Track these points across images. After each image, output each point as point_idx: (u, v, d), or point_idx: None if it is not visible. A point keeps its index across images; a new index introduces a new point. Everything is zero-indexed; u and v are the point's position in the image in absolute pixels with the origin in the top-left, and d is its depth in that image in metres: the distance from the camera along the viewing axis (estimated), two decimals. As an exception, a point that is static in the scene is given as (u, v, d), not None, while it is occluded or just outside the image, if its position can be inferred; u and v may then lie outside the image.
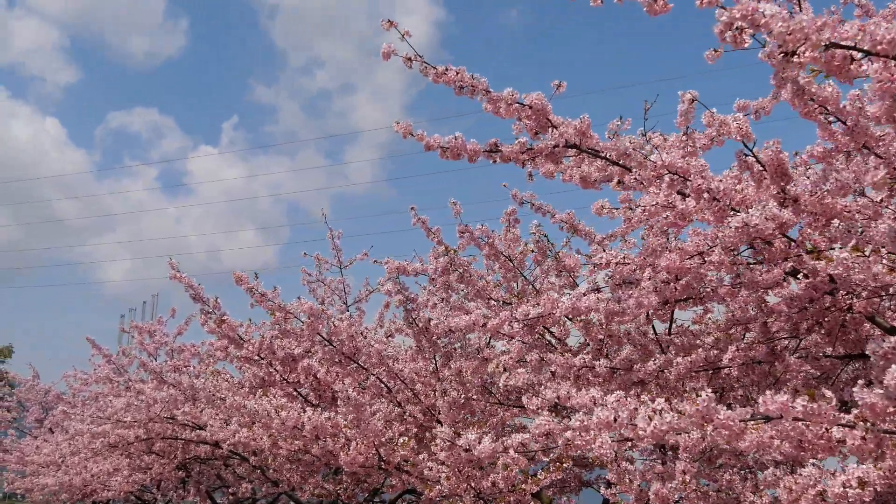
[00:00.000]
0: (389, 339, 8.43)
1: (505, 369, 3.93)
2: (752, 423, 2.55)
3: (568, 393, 3.75)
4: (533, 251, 5.79)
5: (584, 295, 4.13)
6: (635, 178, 3.36)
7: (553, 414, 4.83)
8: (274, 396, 5.94)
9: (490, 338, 7.97)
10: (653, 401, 2.79)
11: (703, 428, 2.27)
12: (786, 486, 2.68)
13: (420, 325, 6.00)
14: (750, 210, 3.10)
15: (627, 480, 4.94)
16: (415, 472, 5.77)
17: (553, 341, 6.17)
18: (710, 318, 5.65)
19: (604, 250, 5.09)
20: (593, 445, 3.46)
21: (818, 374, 4.52)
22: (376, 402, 5.76)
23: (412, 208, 6.95)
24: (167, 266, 6.45)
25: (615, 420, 2.49)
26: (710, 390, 2.29)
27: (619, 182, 3.83)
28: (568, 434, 3.48)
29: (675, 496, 4.48)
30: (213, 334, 7.40)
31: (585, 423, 2.64)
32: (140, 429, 9.69)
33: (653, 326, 6.41)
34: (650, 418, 2.35)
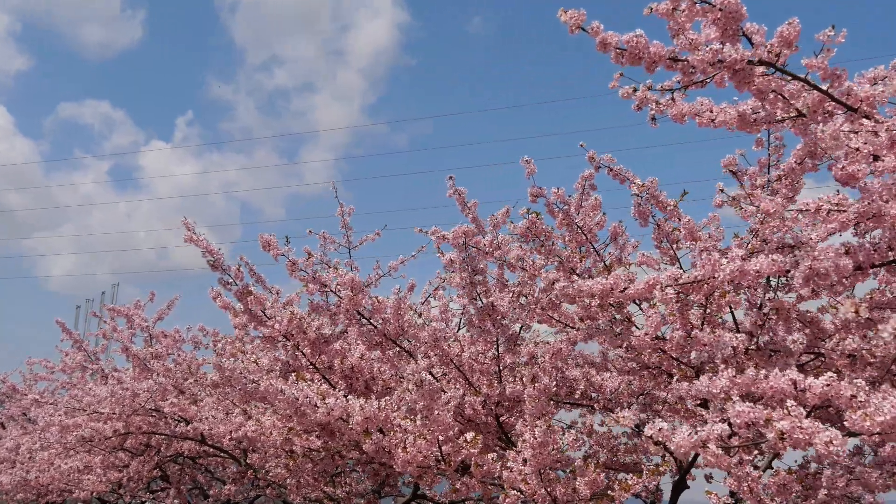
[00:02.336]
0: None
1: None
2: None
3: (756, 376, 2.92)
4: (623, 221, 5.00)
5: (753, 256, 3.31)
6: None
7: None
8: (312, 381, 5.01)
9: (522, 324, 7.15)
10: None
11: None
12: None
13: (485, 301, 5.14)
14: None
15: (747, 489, 4.15)
16: (479, 473, 4.90)
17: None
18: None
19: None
20: (816, 441, 2.65)
21: None
22: (450, 389, 4.87)
23: (450, 177, 6.12)
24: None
25: None
26: None
27: (825, 113, 3.01)
28: (784, 424, 2.65)
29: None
30: (227, 310, 6.45)
31: None
32: (119, 422, 8.62)
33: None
34: None
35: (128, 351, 9.05)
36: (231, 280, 5.58)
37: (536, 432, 4.27)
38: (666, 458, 7.20)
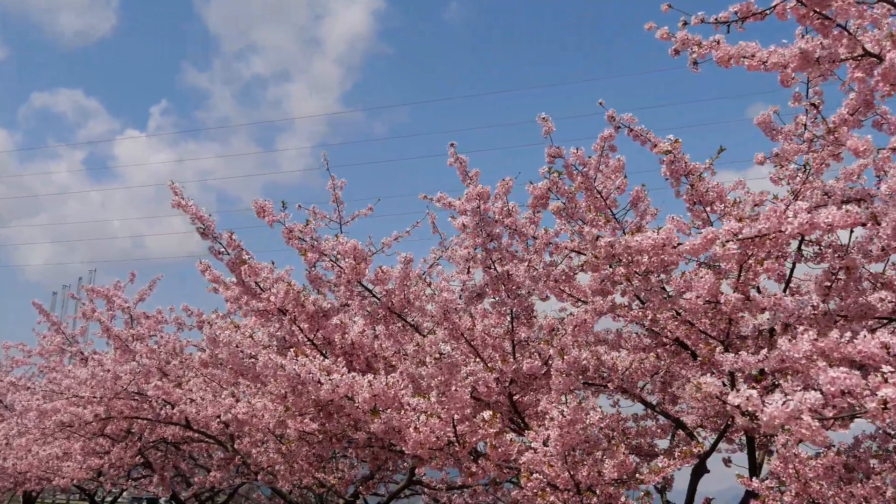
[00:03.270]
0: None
1: None
2: None
3: (840, 339, 2.55)
4: (644, 185, 4.60)
5: (821, 208, 2.94)
6: None
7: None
8: (314, 356, 4.60)
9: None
10: None
11: None
12: None
13: (500, 270, 4.75)
14: None
15: (793, 471, 3.80)
16: (495, 455, 4.52)
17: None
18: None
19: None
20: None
21: None
22: (470, 362, 4.48)
23: (451, 144, 5.74)
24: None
25: None
26: None
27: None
28: (889, 392, 2.28)
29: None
30: (216, 283, 6.02)
31: None
32: (100, 406, 8.15)
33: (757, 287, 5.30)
34: None
35: (108, 331, 8.58)
36: (223, 249, 5.15)
37: (565, 409, 3.88)
38: (678, 444, 6.86)
